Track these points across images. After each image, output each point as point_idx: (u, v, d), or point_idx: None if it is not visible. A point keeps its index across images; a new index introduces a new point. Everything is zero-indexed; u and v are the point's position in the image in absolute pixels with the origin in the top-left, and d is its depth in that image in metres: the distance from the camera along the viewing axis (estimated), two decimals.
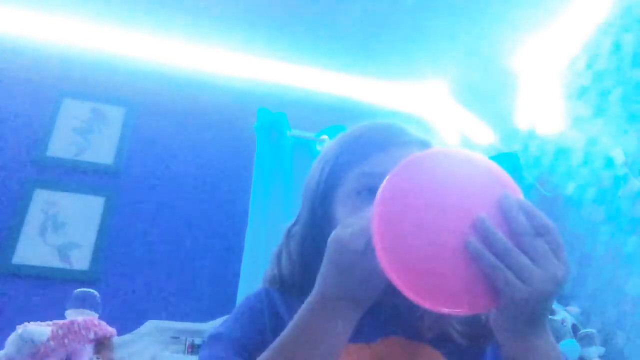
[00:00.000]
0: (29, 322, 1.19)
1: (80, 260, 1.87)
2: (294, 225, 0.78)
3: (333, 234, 0.58)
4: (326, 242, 0.59)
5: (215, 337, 0.68)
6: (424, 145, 0.74)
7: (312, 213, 0.75)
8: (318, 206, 0.74)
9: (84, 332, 1.21)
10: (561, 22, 2.06)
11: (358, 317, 0.58)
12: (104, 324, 1.29)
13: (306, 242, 0.74)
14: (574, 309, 1.74)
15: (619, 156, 1.75)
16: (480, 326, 0.66)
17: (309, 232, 0.74)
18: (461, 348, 0.66)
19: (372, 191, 0.65)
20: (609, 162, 1.79)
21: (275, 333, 0.60)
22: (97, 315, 1.31)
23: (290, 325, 0.58)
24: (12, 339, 1.16)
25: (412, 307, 0.64)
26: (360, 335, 0.63)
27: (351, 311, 0.57)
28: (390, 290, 0.54)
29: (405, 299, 0.54)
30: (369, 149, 0.71)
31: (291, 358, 0.57)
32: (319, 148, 2.09)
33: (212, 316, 1.69)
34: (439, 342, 0.66)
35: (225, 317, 0.74)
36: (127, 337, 1.60)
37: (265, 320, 0.68)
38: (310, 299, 0.58)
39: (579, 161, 1.94)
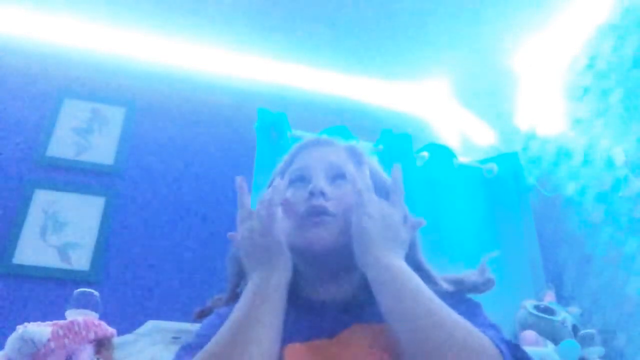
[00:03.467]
0: (29, 322, 1.19)
1: (80, 260, 1.87)
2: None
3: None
4: None
5: (184, 348, 0.71)
6: (349, 149, 0.87)
7: None
8: None
9: (84, 332, 1.21)
10: (561, 22, 2.06)
11: (275, 274, 0.68)
12: (104, 324, 1.28)
13: None
14: (574, 309, 1.74)
15: (619, 156, 1.74)
16: None
17: None
18: None
19: (301, 179, 0.80)
20: (609, 163, 1.79)
21: None
22: (97, 315, 1.31)
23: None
24: (12, 339, 1.15)
25: (368, 291, 0.68)
26: (323, 331, 0.69)
27: (265, 269, 0.69)
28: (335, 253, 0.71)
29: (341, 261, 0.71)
30: (294, 153, 0.87)
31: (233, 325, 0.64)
32: None
33: None
34: None
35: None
36: (127, 337, 1.59)
37: None
38: None
39: (579, 161, 1.94)
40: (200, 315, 0.81)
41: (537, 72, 2.23)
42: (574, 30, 2.04)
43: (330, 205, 0.74)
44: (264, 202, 0.72)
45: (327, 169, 0.80)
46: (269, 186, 0.84)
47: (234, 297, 0.78)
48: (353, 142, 0.90)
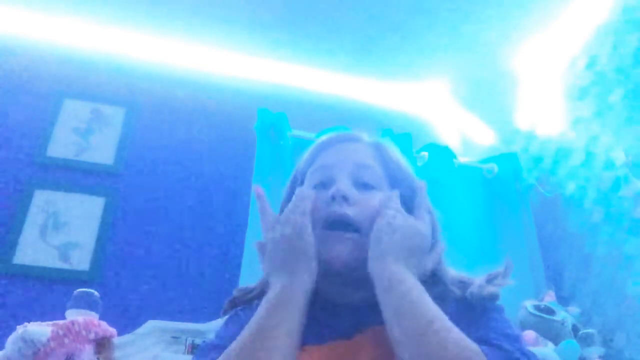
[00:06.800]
0: (29, 322, 1.19)
1: (80, 260, 1.87)
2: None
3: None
4: None
5: (204, 348, 0.71)
6: (373, 146, 0.82)
7: None
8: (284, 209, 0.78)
9: (84, 332, 1.21)
10: (561, 22, 2.06)
11: (299, 281, 0.67)
12: (104, 324, 1.29)
13: None
14: (574, 309, 1.74)
15: (619, 156, 1.75)
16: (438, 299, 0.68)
17: None
18: None
19: (322, 184, 0.76)
20: (609, 162, 1.79)
21: None
22: (97, 315, 1.31)
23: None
24: (12, 339, 1.16)
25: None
26: (339, 332, 0.68)
27: (289, 276, 0.67)
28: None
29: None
30: (317, 151, 0.82)
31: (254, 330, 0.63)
32: None
33: (212, 316, 1.69)
34: None
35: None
36: (127, 337, 1.59)
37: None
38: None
39: (579, 161, 1.94)
40: (231, 307, 0.78)
41: (537, 73, 2.23)
42: (573, 30, 2.04)
43: (353, 212, 0.71)
44: (296, 208, 0.71)
45: (352, 170, 0.76)
46: (289, 187, 0.82)
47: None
48: (378, 138, 0.85)
